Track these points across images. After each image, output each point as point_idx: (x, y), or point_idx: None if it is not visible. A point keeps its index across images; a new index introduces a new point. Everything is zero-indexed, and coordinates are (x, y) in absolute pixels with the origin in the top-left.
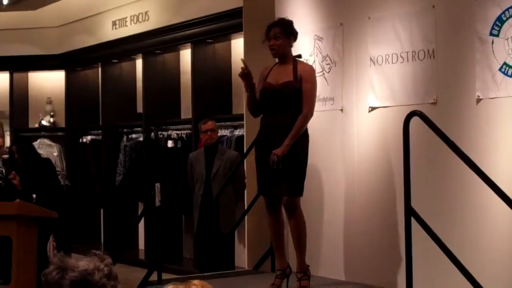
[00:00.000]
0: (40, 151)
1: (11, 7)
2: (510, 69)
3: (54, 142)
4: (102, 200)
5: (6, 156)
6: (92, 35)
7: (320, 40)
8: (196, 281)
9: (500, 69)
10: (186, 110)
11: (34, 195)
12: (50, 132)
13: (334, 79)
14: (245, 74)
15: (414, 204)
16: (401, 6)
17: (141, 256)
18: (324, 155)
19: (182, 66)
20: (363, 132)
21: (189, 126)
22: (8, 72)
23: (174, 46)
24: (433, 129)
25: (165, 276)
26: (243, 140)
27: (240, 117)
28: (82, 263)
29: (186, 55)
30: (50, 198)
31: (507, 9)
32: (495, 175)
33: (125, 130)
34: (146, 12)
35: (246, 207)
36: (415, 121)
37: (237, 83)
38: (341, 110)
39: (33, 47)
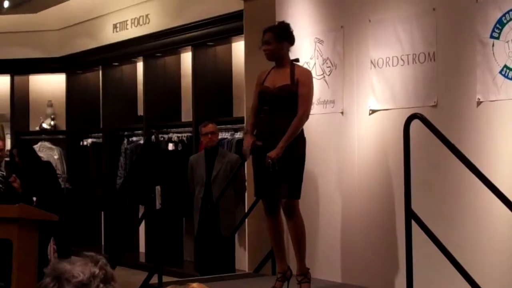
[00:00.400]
0: (40, 154)
1: (12, 10)
2: (511, 72)
3: (55, 145)
4: (103, 203)
5: (7, 159)
6: (93, 38)
7: (320, 43)
8: (195, 284)
9: (500, 72)
10: (186, 113)
11: (34, 198)
12: (50, 135)
13: (334, 82)
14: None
15: (414, 206)
16: (401, 9)
17: (142, 259)
18: (324, 158)
19: (182, 69)
20: (364, 135)
21: (190, 129)
22: (9, 75)
23: (175, 49)
24: (433, 132)
25: (165, 279)
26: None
27: (240, 120)
28: (76, 271)
29: (186, 58)
30: (50, 201)
31: (508, 12)
32: (496, 178)
33: (125, 133)
34: (146, 15)
35: (246, 210)
36: (415, 124)
37: (238, 86)
38: (342, 113)
39: (34, 50)
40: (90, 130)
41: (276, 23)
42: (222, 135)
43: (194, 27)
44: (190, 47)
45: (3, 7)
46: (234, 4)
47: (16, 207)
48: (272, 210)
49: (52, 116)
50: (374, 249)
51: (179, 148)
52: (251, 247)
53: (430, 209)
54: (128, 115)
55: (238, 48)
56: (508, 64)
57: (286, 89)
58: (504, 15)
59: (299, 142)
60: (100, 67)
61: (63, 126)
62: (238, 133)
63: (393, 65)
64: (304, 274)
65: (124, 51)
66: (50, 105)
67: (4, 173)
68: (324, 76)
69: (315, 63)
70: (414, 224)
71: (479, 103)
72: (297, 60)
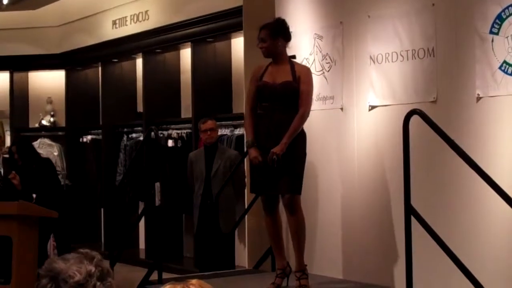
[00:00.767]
0: (40, 150)
1: (11, 6)
2: (510, 67)
3: (55, 141)
4: (103, 200)
5: (6, 155)
6: (92, 34)
7: (320, 39)
8: (194, 281)
9: (500, 67)
10: (186, 109)
11: (34, 195)
12: (50, 131)
13: (334, 78)
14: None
15: (414, 202)
16: (401, 4)
17: (142, 255)
18: (324, 154)
19: (182, 65)
20: (363, 131)
21: (189, 125)
22: (8, 71)
23: (174, 45)
24: (433, 127)
25: (165, 275)
26: (243, 139)
27: (240, 116)
28: (72, 270)
29: (186, 54)
30: (50, 198)
31: (507, 7)
32: (495, 174)
33: (125, 129)
34: (146, 12)
35: (246, 207)
36: (415, 119)
37: (237, 83)
38: (341, 108)
39: (33, 47)
40: (89, 127)
41: (272, 20)
42: (221, 131)
43: (194, 23)
44: (189, 43)
45: (2, 3)
46: (233, 0)
47: (15, 204)
48: (271, 207)
49: (51, 113)
50: (374, 245)
51: (179, 145)
52: (251, 244)
53: (430, 204)
54: (127, 111)
55: (238, 44)
56: (507, 60)
57: (289, 85)
58: (503, 10)
59: (300, 137)
60: (100, 63)
61: (62, 123)
62: (238, 129)
63: (392, 61)
64: (303, 270)
65: (123, 47)
66: (50, 101)
67: (1, 170)
68: (323, 72)
69: (314, 59)
70: (413, 219)
71: (478, 98)
72: (293, 56)
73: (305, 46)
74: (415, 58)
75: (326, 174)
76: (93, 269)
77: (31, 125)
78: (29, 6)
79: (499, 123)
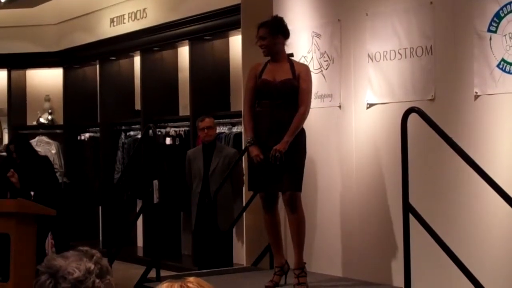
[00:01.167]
0: (38, 148)
1: (9, 4)
2: (508, 66)
3: (52, 139)
4: (101, 197)
5: (3, 154)
6: (90, 32)
7: (318, 37)
8: (192, 279)
9: (498, 66)
10: (184, 107)
11: (32, 193)
12: (48, 129)
13: (332, 76)
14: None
15: (412, 200)
16: (399, 2)
17: (140, 253)
18: (322, 152)
19: (180, 63)
20: (361, 129)
21: (187, 123)
22: (6, 69)
23: (172, 43)
24: (431, 125)
25: (163, 273)
26: (241, 137)
27: (238, 114)
28: (71, 267)
29: (184, 52)
30: (48, 196)
31: (505, 5)
32: (493, 172)
33: (123, 127)
34: (144, 9)
35: (244, 204)
36: (413, 117)
37: (235, 80)
38: (339, 106)
39: (31, 45)
40: (87, 125)
41: (270, 18)
42: (219, 129)
43: (192, 21)
44: (187, 41)
45: (0, 1)
46: None
47: (14, 201)
48: (271, 205)
49: (49, 111)
50: (373, 243)
51: (177, 143)
52: (249, 241)
53: (428, 202)
54: (125, 109)
55: (236, 42)
56: (505, 58)
57: (290, 83)
58: (501, 8)
59: (301, 135)
60: (98, 61)
61: (60, 121)
62: (236, 127)
63: (390, 59)
64: (302, 268)
65: (121, 45)
66: (48, 99)
67: None
68: (321, 70)
69: (312, 57)
70: (412, 217)
71: (476, 96)
72: (291, 54)
73: (303, 44)
74: (413, 56)
75: (325, 172)
76: (92, 266)
77: (29, 123)
78: (27, 4)
79: (497, 121)
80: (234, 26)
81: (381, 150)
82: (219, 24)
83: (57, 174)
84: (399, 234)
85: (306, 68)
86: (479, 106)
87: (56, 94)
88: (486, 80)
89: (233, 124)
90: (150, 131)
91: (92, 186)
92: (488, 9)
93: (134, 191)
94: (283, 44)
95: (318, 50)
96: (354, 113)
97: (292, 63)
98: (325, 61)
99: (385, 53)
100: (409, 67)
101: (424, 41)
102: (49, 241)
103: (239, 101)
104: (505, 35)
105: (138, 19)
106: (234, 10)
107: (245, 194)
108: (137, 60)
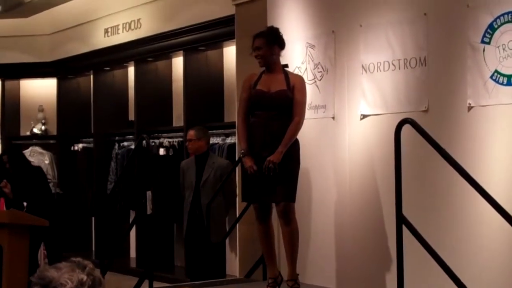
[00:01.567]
0: (31, 159)
1: (3, 14)
2: (501, 77)
3: (46, 150)
4: (94, 208)
5: None
6: (84, 42)
7: (312, 48)
8: None
9: (491, 77)
10: (178, 118)
11: (25, 203)
12: (41, 140)
13: (326, 87)
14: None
15: (405, 211)
16: (392, 14)
17: (133, 264)
18: (315, 163)
19: (174, 74)
20: (355, 140)
21: (181, 134)
22: None
23: (166, 53)
24: (424, 136)
25: (156, 284)
26: (235, 148)
27: (232, 125)
28: (64, 278)
29: (178, 62)
30: (41, 206)
31: (499, 17)
32: (487, 183)
33: (117, 138)
34: (138, 20)
35: (237, 216)
36: (406, 128)
37: (229, 91)
38: (333, 117)
39: (25, 55)
40: (81, 135)
41: (265, 29)
42: (213, 140)
43: (186, 31)
44: (181, 51)
45: None
46: (225, 9)
47: (6, 212)
48: (264, 216)
49: (43, 121)
50: (366, 254)
51: (170, 153)
52: (242, 253)
53: (421, 213)
54: (119, 120)
55: (230, 52)
56: (499, 69)
57: (284, 94)
58: (495, 20)
59: (295, 145)
60: (92, 71)
61: (54, 131)
62: (230, 138)
63: (384, 70)
64: (295, 279)
65: (115, 55)
66: (41, 109)
67: None
68: (315, 81)
69: (306, 68)
70: (405, 229)
71: (470, 108)
72: (286, 65)
73: (297, 55)
74: (407, 68)
75: (318, 183)
76: (84, 277)
77: (22, 133)
78: (21, 14)
79: (490, 132)
80: (228, 36)
81: (374, 161)
82: (213, 34)
83: (50, 185)
84: (393, 244)
85: (300, 79)
86: (472, 117)
87: (50, 104)
88: (479, 92)
89: (227, 135)
90: (144, 141)
91: (85, 196)
92: (481, 20)
93: (127, 202)
94: (279, 55)
95: (312, 61)
96: (348, 124)
97: (286, 74)
98: (319, 72)
99: (379, 64)
100: (403, 78)
101: (417, 52)
102: (41, 252)
103: (233, 112)
104: (498, 47)
105: (133, 30)
106: (228, 21)
107: (239, 205)
108: (131, 70)
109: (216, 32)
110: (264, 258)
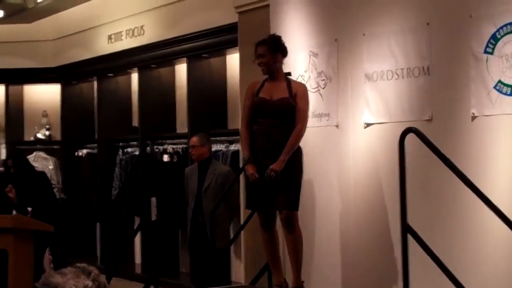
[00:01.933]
0: (35, 164)
1: (6, 20)
2: (505, 87)
3: (50, 155)
4: (98, 214)
5: (1, 169)
6: (87, 48)
7: (315, 56)
8: None
9: (494, 87)
10: (181, 124)
11: (29, 209)
12: (45, 145)
13: (329, 95)
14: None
15: (410, 220)
16: (396, 23)
17: (138, 270)
18: (319, 171)
19: (177, 81)
20: (359, 148)
21: (185, 140)
22: (3, 85)
23: (170, 60)
24: (428, 146)
25: None
26: (239, 155)
27: (235, 132)
28: (69, 284)
29: (181, 69)
30: (45, 212)
31: (502, 27)
32: (491, 192)
33: (120, 144)
34: (141, 27)
35: (242, 223)
36: (410, 137)
37: (232, 98)
38: (336, 126)
39: (29, 60)
40: (85, 141)
41: (268, 37)
42: (216, 147)
43: (189, 38)
44: (185, 58)
45: None
46: (229, 17)
47: (11, 217)
48: (268, 223)
49: (47, 126)
50: (371, 262)
51: (174, 160)
52: (248, 260)
53: (426, 222)
54: (123, 126)
55: (233, 60)
56: (502, 79)
57: (286, 102)
58: (498, 30)
59: (297, 153)
60: (95, 77)
61: (58, 137)
62: (233, 145)
63: (387, 79)
64: (300, 286)
65: (119, 62)
66: (45, 115)
67: None
68: (318, 89)
69: (309, 76)
70: (410, 238)
71: (473, 117)
72: (289, 73)
73: (300, 63)
74: (410, 77)
75: (322, 191)
76: (90, 283)
77: (26, 138)
78: (25, 19)
79: (494, 142)
80: (232, 44)
81: (379, 170)
82: (216, 42)
83: (55, 190)
84: (398, 252)
85: (303, 87)
86: (476, 127)
87: (54, 109)
88: (483, 101)
89: (231, 142)
90: (148, 148)
91: (89, 202)
92: (484, 30)
93: (131, 208)
94: (281, 63)
95: (315, 69)
96: (352, 132)
97: (289, 82)
98: (322, 80)
99: (382, 73)
100: (406, 87)
101: (421, 61)
102: (47, 257)
103: (236, 119)
104: (501, 57)
105: (136, 36)
106: (231, 28)
107: (243, 212)
108: (134, 77)
109: (219, 39)
110: (269, 265)
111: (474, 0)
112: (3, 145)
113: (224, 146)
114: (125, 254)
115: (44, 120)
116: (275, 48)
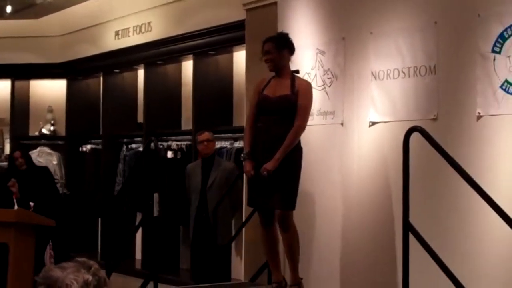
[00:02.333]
0: (39, 159)
1: (14, 15)
2: (511, 87)
3: (54, 150)
4: (101, 209)
5: (5, 163)
6: (94, 44)
7: (322, 54)
8: None
9: (501, 86)
10: (186, 121)
11: (31, 203)
12: (50, 140)
13: (335, 93)
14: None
15: (412, 219)
16: (403, 22)
17: (138, 266)
18: (324, 169)
19: (183, 77)
20: (363, 147)
21: (189, 137)
22: (9, 79)
23: (176, 57)
24: (433, 145)
25: (161, 286)
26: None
27: (240, 129)
28: (69, 278)
29: (187, 66)
30: (48, 206)
31: (509, 27)
32: (494, 192)
33: (125, 140)
34: (149, 23)
35: (244, 219)
36: (415, 136)
37: (238, 95)
38: (342, 124)
39: (35, 56)
40: (89, 136)
41: (275, 34)
42: (221, 143)
43: (196, 35)
44: (191, 55)
45: (5, 12)
46: (236, 14)
47: (14, 211)
48: (267, 221)
49: (52, 122)
50: (372, 260)
51: (178, 156)
52: (248, 257)
53: (428, 221)
54: (128, 122)
55: (239, 57)
56: (509, 79)
57: (285, 99)
58: (505, 29)
59: (296, 153)
60: (101, 73)
61: (62, 132)
62: (238, 142)
63: (394, 78)
64: (298, 284)
65: (125, 58)
66: (50, 110)
67: None
68: (324, 87)
69: (316, 74)
70: (411, 236)
71: (479, 117)
72: (297, 71)
73: (307, 61)
74: (416, 76)
75: (326, 189)
76: (90, 278)
77: (31, 133)
78: (32, 15)
79: (499, 142)
80: (239, 41)
81: (383, 168)
82: (223, 39)
83: (58, 185)
84: (399, 251)
85: (306, 84)
86: (481, 126)
87: (59, 105)
88: (489, 101)
89: (235, 139)
90: (152, 144)
91: (92, 197)
92: (492, 30)
93: (134, 203)
94: (288, 60)
95: (322, 67)
96: (357, 130)
97: (293, 79)
98: (328, 78)
99: (388, 71)
100: (412, 86)
101: (427, 60)
102: (48, 252)
103: (241, 116)
104: (509, 56)
105: (143, 33)
106: (238, 25)
107: (245, 209)
108: (140, 73)
109: (226, 36)
110: (268, 263)
111: None
112: (8, 140)
113: (228, 143)
114: (126, 250)
115: (49, 116)
116: (282, 45)
